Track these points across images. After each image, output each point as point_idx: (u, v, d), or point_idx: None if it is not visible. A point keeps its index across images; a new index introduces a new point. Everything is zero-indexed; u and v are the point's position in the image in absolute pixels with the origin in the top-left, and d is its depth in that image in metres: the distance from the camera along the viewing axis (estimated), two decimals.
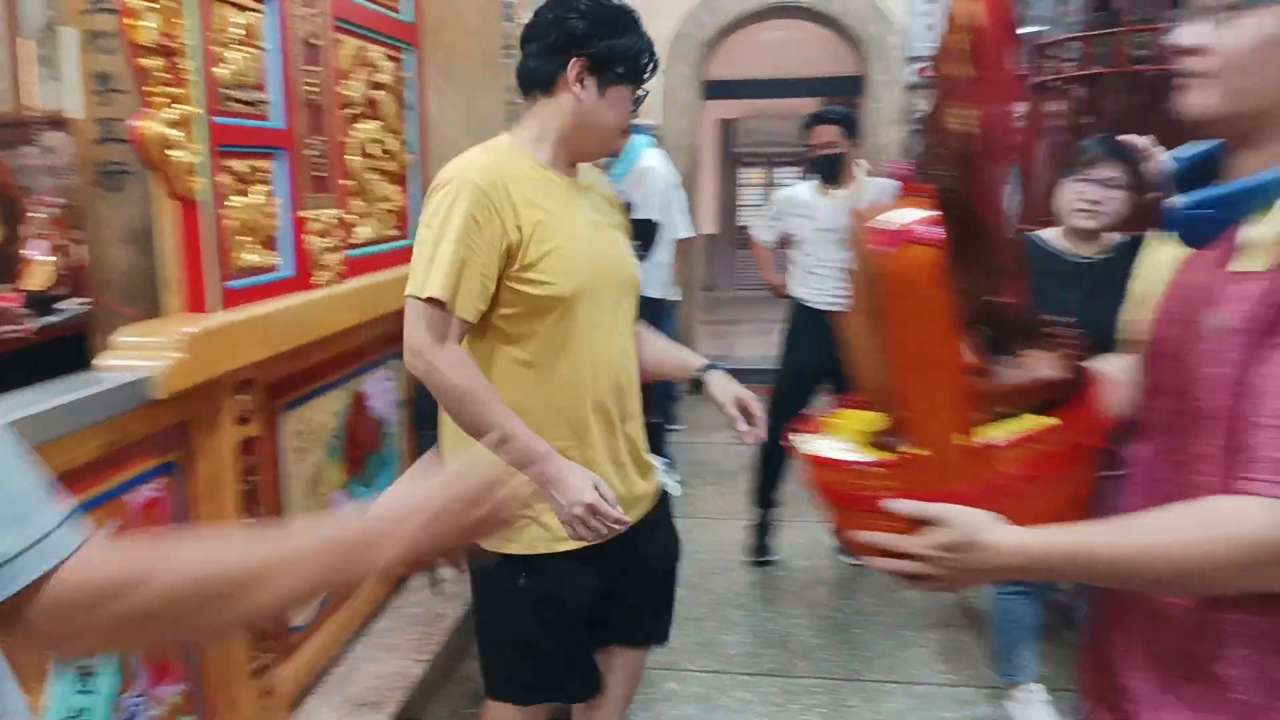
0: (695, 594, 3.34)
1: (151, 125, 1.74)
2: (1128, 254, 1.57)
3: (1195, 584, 0.95)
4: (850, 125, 3.58)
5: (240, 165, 2.01)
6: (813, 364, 3.46)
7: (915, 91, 6.43)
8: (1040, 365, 1.18)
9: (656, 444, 2.07)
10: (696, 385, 1.82)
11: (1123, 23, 4.09)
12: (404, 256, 2.84)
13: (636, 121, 1.92)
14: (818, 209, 3.57)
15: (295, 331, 2.15)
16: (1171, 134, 1.09)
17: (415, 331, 1.57)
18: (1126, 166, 2.27)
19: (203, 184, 1.86)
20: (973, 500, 0.97)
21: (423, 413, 2.94)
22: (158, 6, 1.72)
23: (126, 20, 1.69)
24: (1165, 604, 1.03)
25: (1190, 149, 1.10)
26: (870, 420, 1.14)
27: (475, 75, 3.09)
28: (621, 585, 1.82)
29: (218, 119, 1.91)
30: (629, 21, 1.66)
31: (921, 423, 1.01)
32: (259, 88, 2.07)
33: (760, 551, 3.70)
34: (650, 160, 3.74)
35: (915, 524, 0.97)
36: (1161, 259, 1.11)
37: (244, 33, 2.00)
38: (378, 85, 2.69)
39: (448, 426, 1.75)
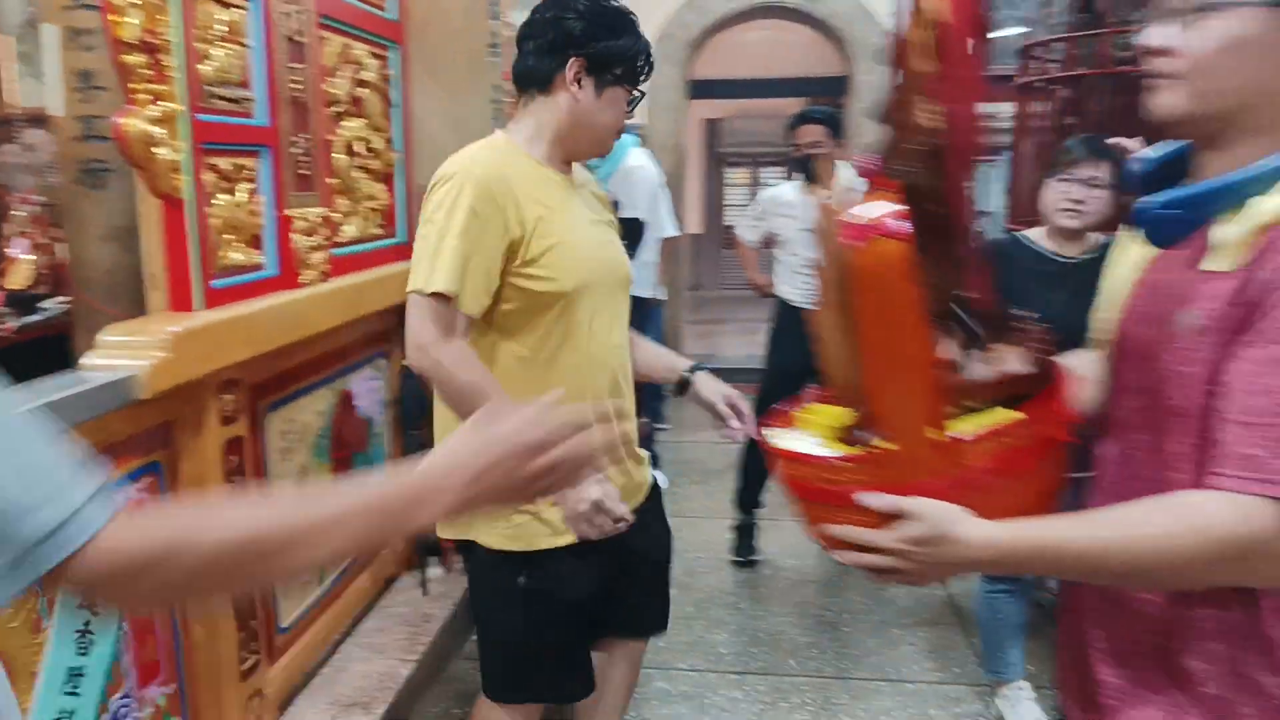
0: (684, 593, 3.34)
1: (135, 123, 1.73)
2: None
3: (1163, 578, 0.96)
4: (835, 125, 3.58)
5: (224, 163, 1.99)
6: (798, 363, 3.44)
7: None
8: (1008, 360, 1.18)
9: (645, 443, 2.08)
10: (683, 387, 1.83)
11: (1106, 24, 4.12)
12: (390, 255, 2.85)
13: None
14: (802, 209, 3.58)
15: (280, 331, 2.13)
16: (1155, 134, 1.10)
17: (420, 327, 1.56)
18: (1110, 166, 2.28)
19: (187, 182, 1.85)
20: (942, 494, 0.97)
21: (409, 412, 2.92)
22: (140, 3, 1.70)
23: (110, 17, 1.67)
24: (1137, 599, 1.04)
25: (1157, 150, 1.11)
26: (840, 415, 1.15)
27: (461, 73, 3.07)
28: (620, 577, 1.83)
29: (201, 116, 1.89)
30: (627, 23, 1.67)
31: (891, 417, 1.01)
32: (243, 85, 2.05)
33: (745, 551, 3.71)
34: (636, 159, 3.74)
35: (885, 518, 0.97)
36: (1131, 258, 1.12)
37: (227, 29, 1.98)
38: (362, 83, 2.68)
39: (442, 423, 1.75)
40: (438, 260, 1.54)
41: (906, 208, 1.01)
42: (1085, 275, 2.30)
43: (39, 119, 3.19)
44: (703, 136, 12.59)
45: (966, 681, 2.83)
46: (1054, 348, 1.18)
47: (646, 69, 1.71)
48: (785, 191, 3.76)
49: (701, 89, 7.63)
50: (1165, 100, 0.99)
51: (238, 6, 2.02)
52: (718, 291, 11.93)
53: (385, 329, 2.88)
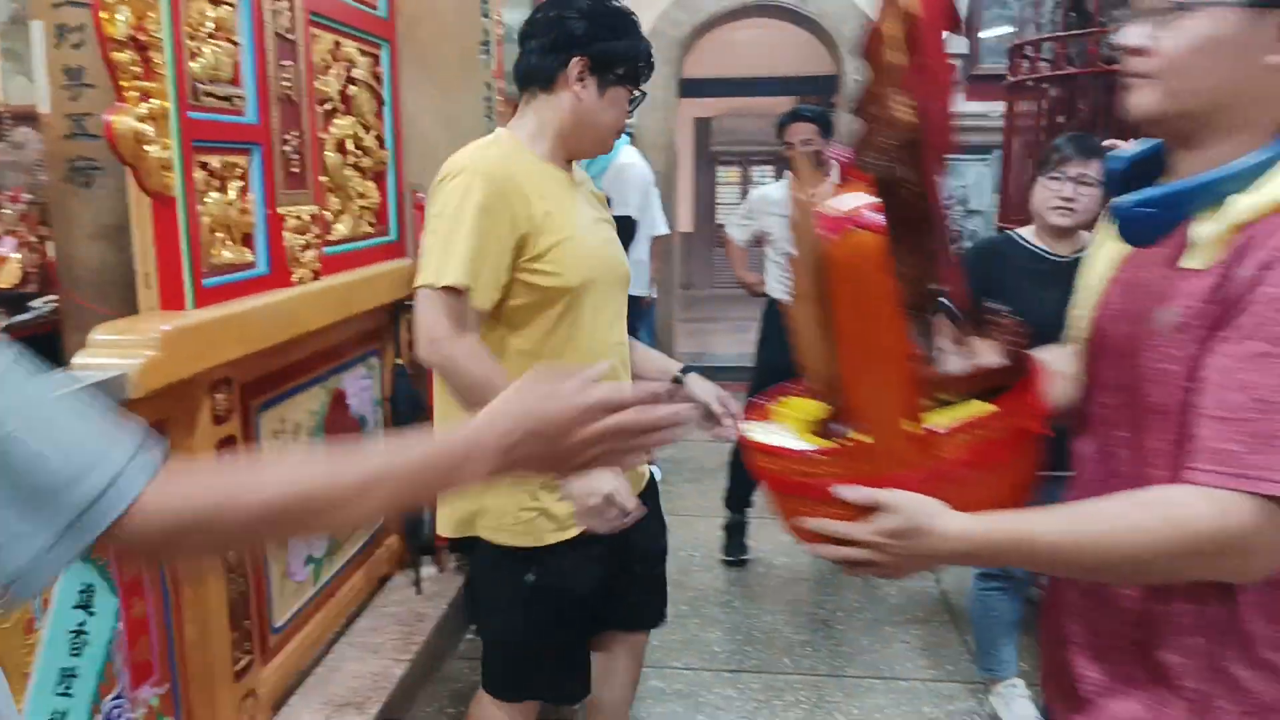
0: (678, 591, 3.34)
1: (125, 120, 1.71)
2: None
3: (1137, 572, 0.96)
4: (826, 124, 3.58)
5: (215, 161, 1.98)
6: (788, 361, 3.44)
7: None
8: (982, 352, 1.19)
9: None
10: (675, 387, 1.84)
11: (1096, 23, 4.14)
12: (381, 254, 2.84)
13: None
14: None
15: (272, 329, 2.12)
16: (1145, 133, 1.11)
17: (433, 321, 1.56)
18: (1100, 165, 2.29)
19: (177, 180, 1.83)
20: (917, 486, 0.97)
21: (401, 411, 2.91)
22: None
23: (100, 13, 1.66)
24: (1115, 594, 1.05)
25: (1131, 148, 1.12)
26: (815, 408, 1.14)
27: (452, 71, 3.06)
28: (621, 570, 1.84)
29: (192, 114, 1.88)
30: (629, 24, 1.71)
31: (867, 409, 1.01)
32: (234, 82, 2.04)
33: (736, 551, 3.71)
34: (627, 157, 3.74)
35: (861, 511, 0.97)
36: (1107, 255, 1.12)
37: (217, 27, 1.97)
38: (353, 81, 2.67)
39: (444, 419, 1.75)
40: (449, 254, 1.55)
41: (880, 200, 1.01)
42: (1077, 273, 2.32)
43: (27, 116, 3.16)
44: (693, 135, 12.59)
45: (960, 679, 2.84)
46: (1027, 341, 1.18)
47: (648, 69, 1.73)
48: (774, 190, 3.76)
49: (692, 87, 7.62)
50: (1140, 99, 1.00)
51: (227, 3, 2.01)
52: (709, 290, 11.93)
53: (377, 327, 2.87)
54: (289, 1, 2.24)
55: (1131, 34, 0.99)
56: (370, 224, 2.81)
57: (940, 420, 1.04)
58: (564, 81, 1.66)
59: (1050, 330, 1.24)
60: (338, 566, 2.65)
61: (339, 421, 2.66)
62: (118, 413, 0.73)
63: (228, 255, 2.02)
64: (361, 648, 2.63)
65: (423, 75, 3.01)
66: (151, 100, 1.77)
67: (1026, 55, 4.42)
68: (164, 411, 1.82)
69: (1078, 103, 4.05)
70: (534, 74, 1.69)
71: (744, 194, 6.14)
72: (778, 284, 3.68)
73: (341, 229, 2.62)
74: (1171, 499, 0.90)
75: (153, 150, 1.77)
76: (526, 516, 1.69)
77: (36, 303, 3.03)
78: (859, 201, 0.98)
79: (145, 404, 1.68)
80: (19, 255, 3.06)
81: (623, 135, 3.86)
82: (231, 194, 2.03)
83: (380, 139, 2.85)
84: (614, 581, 1.83)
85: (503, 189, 1.57)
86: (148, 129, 1.76)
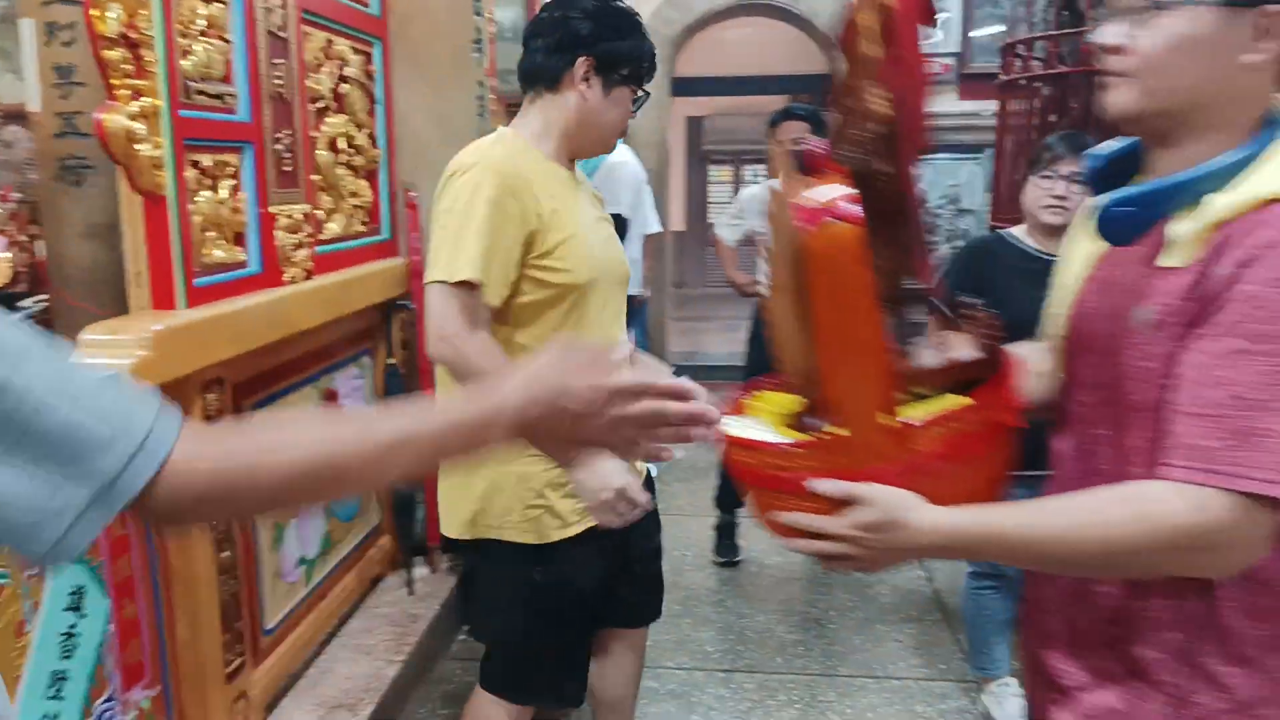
0: (670, 591, 3.30)
1: (116, 118, 1.70)
2: None
3: (1112, 566, 0.97)
4: (817, 122, 3.58)
5: (207, 159, 1.97)
6: None
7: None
8: (957, 346, 1.19)
9: None
10: None
11: (1088, 22, 4.14)
12: (374, 253, 2.83)
13: None
14: None
15: (264, 329, 2.11)
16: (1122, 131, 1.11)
17: (445, 317, 1.56)
18: None
19: (169, 179, 1.82)
20: (892, 479, 0.98)
21: None
22: None
23: (90, 11, 1.65)
24: (1093, 589, 1.05)
25: (1107, 147, 1.13)
26: (791, 402, 1.14)
27: (444, 69, 3.05)
28: (621, 570, 1.85)
29: (183, 112, 1.86)
30: (633, 24, 1.72)
31: (843, 401, 1.01)
32: (225, 80, 2.03)
33: (727, 552, 3.71)
34: (619, 155, 3.72)
35: (836, 504, 0.97)
36: (1082, 253, 1.12)
37: (208, 24, 1.95)
38: (345, 79, 2.65)
39: None
40: (461, 250, 1.55)
41: (856, 192, 1.00)
42: None
43: (17, 115, 3.14)
44: (685, 134, 12.58)
45: (953, 677, 2.84)
46: (1002, 335, 1.19)
47: (651, 70, 1.75)
48: (765, 190, 3.76)
49: (684, 86, 7.61)
50: (1117, 97, 1.00)
51: (219, 1, 2.00)
52: (702, 289, 11.92)
53: (369, 327, 2.86)
54: None
55: (1109, 33, 1.00)
56: (362, 223, 2.80)
57: (915, 413, 1.04)
58: (569, 81, 1.68)
59: (1041, 329, 1.24)
60: (330, 567, 2.64)
61: None
62: (132, 378, 0.73)
63: (219, 254, 2.01)
64: (354, 649, 2.62)
65: (415, 73, 3.00)
66: (143, 98, 1.75)
67: (1019, 54, 4.43)
68: None
69: (1070, 101, 4.07)
70: (539, 73, 1.71)
71: (736, 193, 6.13)
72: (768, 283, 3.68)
73: (334, 228, 2.61)
74: (1146, 494, 0.91)
75: (144, 149, 1.75)
76: (533, 514, 1.69)
77: (27, 302, 3.00)
78: (836, 193, 0.98)
79: None
80: (9, 254, 3.04)
81: None
82: (223, 193, 2.02)
83: (372, 137, 2.84)
84: (613, 580, 1.83)
85: (512, 185, 1.58)
86: (139, 127, 1.74)
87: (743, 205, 3.81)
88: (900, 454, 1.00)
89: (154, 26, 1.76)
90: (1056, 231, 2.35)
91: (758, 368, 3.67)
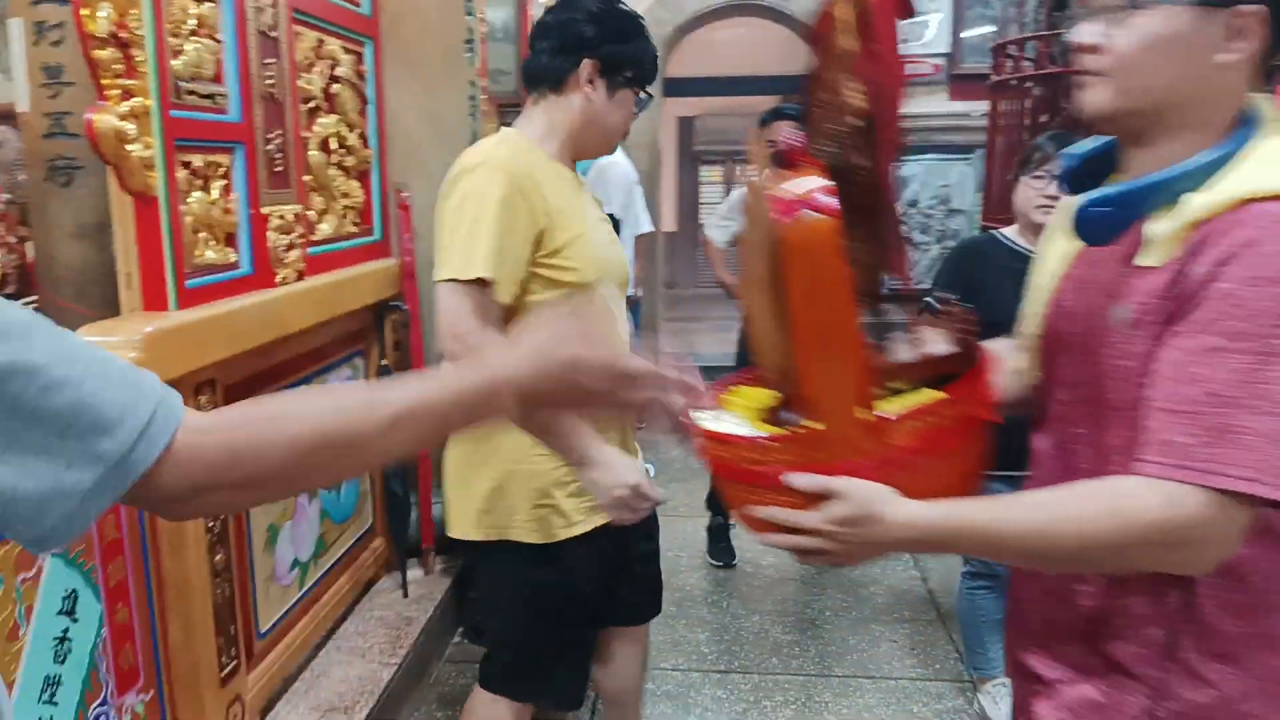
0: (665, 592, 3.31)
1: (105, 118, 1.69)
2: None
3: (1086, 561, 0.97)
4: None
5: (198, 160, 1.95)
6: None
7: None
8: (932, 341, 1.19)
9: None
10: None
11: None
12: (366, 254, 2.82)
13: None
14: None
15: (257, 330, 2.10)
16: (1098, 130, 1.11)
17: (458, 315, 1.56)
18: None
19: (160, 179, 1.81)
20: (867, 474, 0.97)
21: None
22: None
23: (80, 11, 1.64)
24: (1073, 585, 1.05)
25: (1082, 146, 1.13)
26: (766, 396, 1.14)
27: (436, 69, 3.04)
28: (621, 570, 1.86)
29: (174, 112, 1.85)
30: (637, 27, 1.74)
31: (820, 395, 1.00)
32: (216, 80, 2.02)
33: (720, 554, 3.70)
34: (611, 156, 3.72)
35: (812, 498, 0.97)
36: (1058, 252, 1.13)
37: (199, 24, 1.94)
38: (337, 79, 2.64)
39: None
40: (473, 248, 1.55)
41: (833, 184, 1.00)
42: None
43: (6, 115, 3.12)
44: (677, 134, 12.59)
45: (948, 677, 2.85)
46: (977, 330, 1.18)
47: (654, 72, 1.77)
48: None
49: (675, 87, 7.62)
50: (1093, 96, 1.01)
51: (209, 0, 1.98)
52: (693, 289, 11.93)
53: (362, 328, 2.85)
54: None
55: (1085, 32, 1.00)
56: (354, 224, 2.79)
57: (891, 408, 1.04)
58: (574, 83, 1.69)
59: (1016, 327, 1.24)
60: (324, 570, 2.63)
61: None
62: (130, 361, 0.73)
63: (211, 255, 2.00)
64: (349, 652, 2.61)
65: (406, 73, 2.99)
66: (133, 98, 1.74)
67: (1009, 54, 4.45)
68: None
69: (1060, 102, 4.07)
70: (544, 75, 1.72)
71: (728, 193, 6.14)
72: None
73: (325, 229, 2.59)
74: (1121, 490, 0.91)
75: (134, 149, 1.74)
76: (539, 514, 1.70)
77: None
78: (813, 185, 0.98)
79: None
80: None
81: None
82: (214, 193, 2.01)
83: (364, 138, 2.83)
84: (613, 580, 1.84)
85: (521, 184, 1.59)
86: (129, 127, 1.73)
87: (733, 206, 3.82)
88: (875, 448, 0.99)
89: (144, 26, 1.75)
90: None
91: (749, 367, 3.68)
